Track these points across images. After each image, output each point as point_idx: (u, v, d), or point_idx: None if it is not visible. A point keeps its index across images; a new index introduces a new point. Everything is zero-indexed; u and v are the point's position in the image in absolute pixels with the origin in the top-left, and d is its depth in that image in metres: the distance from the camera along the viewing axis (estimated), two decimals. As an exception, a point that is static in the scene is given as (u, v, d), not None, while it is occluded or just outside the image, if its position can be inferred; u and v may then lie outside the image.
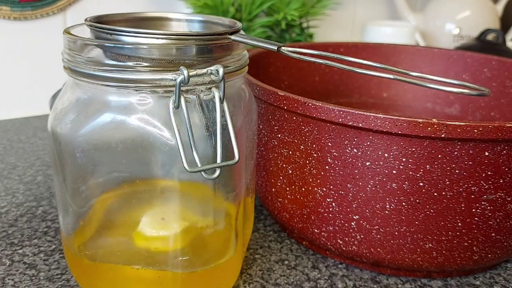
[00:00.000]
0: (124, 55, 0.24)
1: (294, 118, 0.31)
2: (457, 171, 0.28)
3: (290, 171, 0.33)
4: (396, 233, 0.31)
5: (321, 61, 0.25)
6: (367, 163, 0.29)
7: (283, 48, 0.25)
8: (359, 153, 0.29)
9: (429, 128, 0.26)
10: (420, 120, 0.26)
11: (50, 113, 0.27)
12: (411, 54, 0.51)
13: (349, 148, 0.30)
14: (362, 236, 0.32)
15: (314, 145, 0.31)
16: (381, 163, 0.29)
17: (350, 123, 0.28)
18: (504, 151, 0.27)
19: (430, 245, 0.31)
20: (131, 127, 0.24)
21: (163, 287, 0.27)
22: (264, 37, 0.64)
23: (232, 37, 0.25)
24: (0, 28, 0.59)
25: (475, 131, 0.26)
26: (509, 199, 0.29)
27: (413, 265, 0.32)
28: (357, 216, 0.31)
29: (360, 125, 0.28)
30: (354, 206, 0.31)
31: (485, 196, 0.29)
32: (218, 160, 0.24)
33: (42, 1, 0.60)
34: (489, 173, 0.28)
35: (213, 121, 0.25)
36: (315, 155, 0.31)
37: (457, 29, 0.82)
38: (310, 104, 0.29)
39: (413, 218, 0.30)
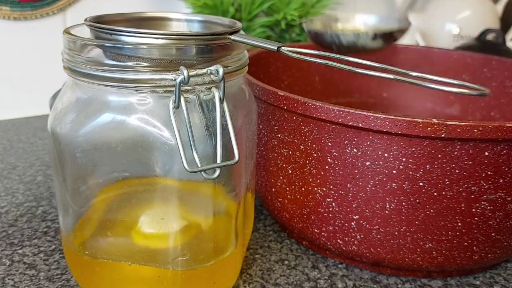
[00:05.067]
0: (124, 55, 0.24)
1: (294, 118, 0.31)
2: (457, 171, 0.28)
3: (290, 171, 0.33)
4: (396, 233, 0.31)
5: (321, 61, 0.25)
6: (367, 163, 0.29)
7: (283, 48, 0.25)
8: (359, 153, 0.29)
9: (429, 128, 0.26)
10: (420, 120, 0.26)
11: (50, 113, 0.27)
12: (411, 54, 0.51)
13: (349, 148, 0.30)
14: (362, 236, 0.32)
15: (314, 145, 0.31)
16: (381, 163, 0.29)
17: (350, 123, 0.28)
18: (504, 151, 0.27)
19: (430, 245, 0.31)
20: (131, 127, 0.24)
21: (163, 287, 0.27)
22: (264, 37, 0.64)
23: (232, 37, 0.25)
24: (0, 28, 0.59)
25: (475, 131, 0.26)
26: (509, 199, 0.29)
27: (413, 265, 0.32)
28: (357, 216, 0.31)
29: (360, 125, 0.28)
30: (354, 206, 0.31)
31: (485, 196, 0.29)
32: (218, 160, 0.24)
33: (42, 1, 0.60)
34: (489, 173, 0.28)
35: (213, 121, 0.25)
36: (315, 155, 0.31)
37: (457, 29, 0.82)
38: (310, 104, 0.29)
39: (413, 218, 0.30)
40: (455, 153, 0.28)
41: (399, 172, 0.29)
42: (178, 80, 0.23)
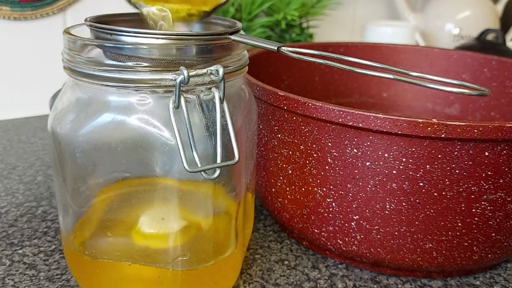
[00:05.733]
0: (124, 55, 0.24)
1: (294, 118, 0.31)
2: (457, 171, 0.28)
3: (290, 171, 0.33)
4: (396, 233, 0.31)
5: (321, 61, 0.25)
6: (367, 163, 0.29)
7: (283, 48, 0.25)
8: (359, 153, 0.29)
9: (429, 128, 0.26)
10: (420, 120, 0.26)
11: (50, 113, 0.27)
12: (411, 54, 0.51)
13: (349, 148, 0.30)
14: (362, 236, 0.32)
15: (314, 145, 0.31)
16: (381, 163, 0.29)
17: (350, 123, 0.28)
18: (504, 151, 0.27)
19: (430, 245, 0.31)
20: (131, 127, 0.24)
21: (163, 287, 0.27)
22: (264, 37, 0.64)
23: (232, 37, 0.25)
24: (0, 28, 0.59)
25: (475, 131, 0.26)
26: (509, 199, 0.29)
27: (413, 265, 0.32)
28: (357, 216, 0.31)
29: (360, 125, 0.28)
30: (354, 206, 0.31)
31: (485, 196, 0.29)
32: (218, 160, 0.24)
33: (42, 1, 0.60)
34: (489, 173, 0.28)
35: (213, 121, 0.25)
36: (315, 155, 0.31)
37: (457, 29, 0.82)
38: (310, 104, 0.29)
39: (413, 218, 0.30)
40: (455, 153, 0.28)
41: (399, 172, 0.29)
42: (178, 80, 0.23)
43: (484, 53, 0.49)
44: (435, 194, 0.29)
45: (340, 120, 0.28)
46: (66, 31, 0.26)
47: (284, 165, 0.34)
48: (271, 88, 0.32)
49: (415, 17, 0.86)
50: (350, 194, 0.31)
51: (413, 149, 0.28)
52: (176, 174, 0.25)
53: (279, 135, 0.33)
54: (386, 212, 0.30)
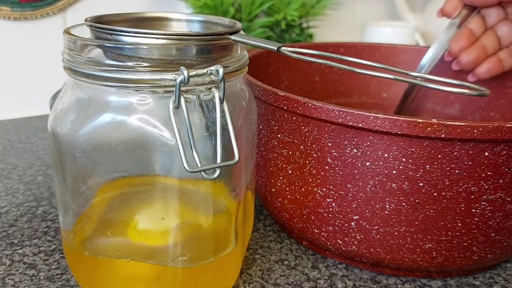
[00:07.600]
0: (124, 55, 0.24)
1: (294, 118, 0.31)
2: (457, 171, 0.28)
3: (290, 171, 0.33)
4: (396, 233, 0.31)
5: (321, 61, 0.25)
6: (367, 163, 0.29)
7: (283, 48, 0.25)
8: (359, 153, 0.29)
9: (429, 128, 0.26)
10: (420, 120, 0.26)
11: (50, 113, 0.27)
12: (411, 54, 0.51)
13: (349, 148, 0.30)
14: (362, 236, 0.32)
15: (314, 145, 0.31)
16: (381, 163, 0.29)
17: (350, 123, 0.28)
18: (504, 151, 0.27)
19: (430, 245, 0.31)
20: (131, 127, 0.24)
21: (163, 286, 0.27)
22: (264, 37, 0.64)
23: (232, 37, 0.26)
24: (0, 28, 0.59)
25: (475, 131, 0.26)
26: (509, 199, 0.29)
27: (413, 265, 0.32)
28: (357, 216, 0.31)
29: (360, 125, 0.28)
30: (354, 206, 0.31)
31: (485, 196, 0.29)
32: (218, 160, 0.24)
33: (42, 1, 0.60)
34: (489, 173, 0.28)
35: (213, 121, 0.25)
36: (315, 155, 0.31)
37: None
38: (310, 104, 0.29)
39: (413, 218, 0.30)
40: (455, 153, 0.28)
41: (399, 172, 0.29)
42: (178, 80, 0.23)
43: (484, 53, 0.49)
44: (435, 194, 0.29)
45: (340, 120, 0.28)
46: (66, 31, 0.26)
47: (284, 165, 0.34)
48: (271, 88, 0.32)
49: (415, 17, 0.86)
50: (350, 194, 0.31)
51: (413, 149, 0.28)
52: (176, 174, 0.25)
53: (279, 135, 0.33)
54: (386, 212, 0.30)
